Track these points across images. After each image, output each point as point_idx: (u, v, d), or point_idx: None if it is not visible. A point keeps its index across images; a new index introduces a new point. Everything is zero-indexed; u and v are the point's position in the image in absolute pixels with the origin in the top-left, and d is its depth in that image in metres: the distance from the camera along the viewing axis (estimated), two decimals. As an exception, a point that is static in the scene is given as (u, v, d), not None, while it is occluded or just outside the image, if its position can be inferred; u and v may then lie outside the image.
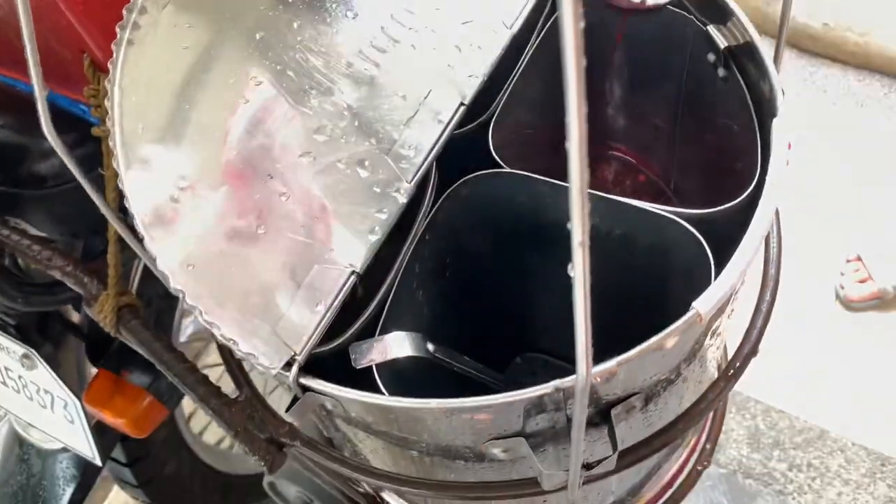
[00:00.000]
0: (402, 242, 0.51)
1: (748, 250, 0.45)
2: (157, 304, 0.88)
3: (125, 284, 0.63)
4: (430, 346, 0.51)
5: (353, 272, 0.46)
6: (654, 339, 0.42)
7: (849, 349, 1.50)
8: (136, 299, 0.62)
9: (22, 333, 0.80)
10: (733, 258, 0.44)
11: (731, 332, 0.57)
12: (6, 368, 0.85)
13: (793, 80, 1.93)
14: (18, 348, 0.79)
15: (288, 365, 0.44)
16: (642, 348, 0.41)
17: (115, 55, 0.52)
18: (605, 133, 0.74)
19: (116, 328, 0.61)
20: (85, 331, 0.88)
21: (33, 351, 0.79)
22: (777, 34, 0.56)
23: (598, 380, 0.42)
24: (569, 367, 0.34)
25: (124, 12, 0.52)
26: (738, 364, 0.55)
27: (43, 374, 0.81)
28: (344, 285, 0.46)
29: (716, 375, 0.57)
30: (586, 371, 0.32)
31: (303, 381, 0.45)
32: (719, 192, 0.51)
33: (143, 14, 0.52)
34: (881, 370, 1.46)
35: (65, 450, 0.93)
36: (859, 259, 1.57)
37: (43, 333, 0.82)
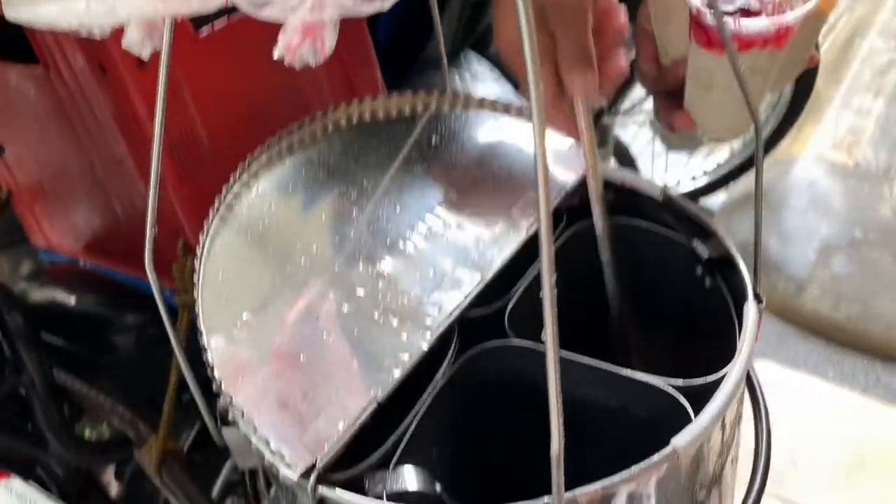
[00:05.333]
0: (422, 391, 0.59)
1: (725, 395, 0.51)
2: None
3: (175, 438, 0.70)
4: (438, 487, 0.56)
5: (374, 399, 0.53)
6: (626, 472, 0.47)
7: None
8: (180, 448, 0.69)
9: (63, 497, 0.84)
10: (710, 404, 0.51)
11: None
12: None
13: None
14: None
15: (307, 474, 0.50)
16: (615, 479, 0.47)
17: (205, 228, 0.65)
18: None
19: (159, 472, 0.67)
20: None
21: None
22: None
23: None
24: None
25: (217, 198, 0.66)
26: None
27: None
28: (365, 409, 0.53)
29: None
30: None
31: (321, 490, 0.50)
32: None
33: (236, 197, 0.66)
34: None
35: None
36: None
37: (82, 500, 0.87)
